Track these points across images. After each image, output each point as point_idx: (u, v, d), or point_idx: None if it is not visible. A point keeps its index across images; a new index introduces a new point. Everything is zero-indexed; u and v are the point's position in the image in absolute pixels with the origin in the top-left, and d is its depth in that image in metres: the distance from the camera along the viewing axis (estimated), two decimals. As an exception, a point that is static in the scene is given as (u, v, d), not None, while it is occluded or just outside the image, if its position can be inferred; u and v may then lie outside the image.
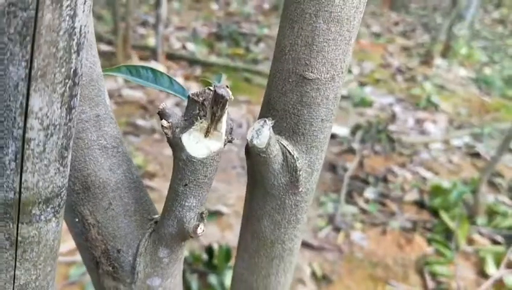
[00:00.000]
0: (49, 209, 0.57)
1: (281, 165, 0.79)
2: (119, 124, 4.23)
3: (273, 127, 0.76)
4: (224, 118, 0.66)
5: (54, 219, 0.58)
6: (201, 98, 0.62)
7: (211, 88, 0.62)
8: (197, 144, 0.66)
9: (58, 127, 0.51)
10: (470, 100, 5.58)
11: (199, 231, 0.72)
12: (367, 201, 3.56)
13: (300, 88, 0.76)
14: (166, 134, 0.65)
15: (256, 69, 5.49)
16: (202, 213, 0.73)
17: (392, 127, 4.69)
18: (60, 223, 0.61)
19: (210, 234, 3.01)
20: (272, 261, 0.91)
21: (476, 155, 4.43)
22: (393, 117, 4.98)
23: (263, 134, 0.74)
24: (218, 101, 0.62)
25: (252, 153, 0.77)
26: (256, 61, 5.85)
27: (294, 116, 0.78)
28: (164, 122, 0.65)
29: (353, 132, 4.43)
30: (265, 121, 0.74)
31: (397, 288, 2.81)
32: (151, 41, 5.70)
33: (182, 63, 5.44)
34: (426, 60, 6.53)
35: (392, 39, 7.28)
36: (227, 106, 0.64)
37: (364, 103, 5.08)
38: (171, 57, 5.45)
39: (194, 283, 2.59)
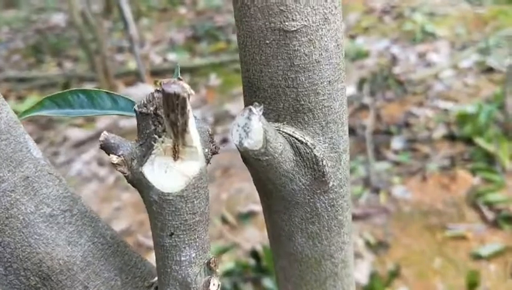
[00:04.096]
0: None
1: (294, 163, 0.58)
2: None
3: (264, 114, 0.55)
4: (192, 124, 0.46)
5: None
6: (151, 108, 0.44)
7: (159, 88, 0.44)
8: (167, 173, 0.47)
9: None
10: (465, 17, 5.36)
11: (213, 288, 0.52)
12: (396, 152, 3.37)
13: (285, 48, 0.55)
14: (122, 173, 0.47)
15: (243, 58, 5.31)
16: (209, 262, 0.53)
17: (396, 70, 4.49)
18: None
19: (250, 237, 2.87)
20: (325, 284, 0.69)
21: (489, 70, 4.22)
22: (394, 60, 4.78)
23: (253, 130, 0.52)
24: (173, 104, 0.42)
25: (248, 160, 0.57)
26: (241, 49, 5.67)
27: (290, 90, 0.57)
28: (113, 158, 0.46)
29: (359, 88, 4.24)
30: (250, 110, 0.52)
31: (456, 230, 2.64)
32: (132, 64, 5.54)
33: (168, 76, 5.27)
34: (407, -8, 6.29)
35: (366, -17, 7.04)
36: (188, 107, 0.44)
37: (361, 55, 4.88)
38: (155, 73, 5.29)
39: (250, 292, 2.45)
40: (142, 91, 4.78)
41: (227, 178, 3.37)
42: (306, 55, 0.56)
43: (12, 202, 0.53)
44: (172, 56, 5.80)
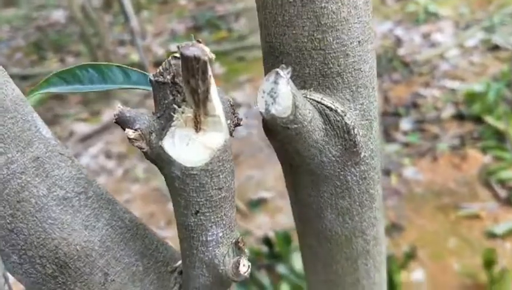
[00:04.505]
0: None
1: (324, 132, 0.53)
2: (132, 151, 4.08)
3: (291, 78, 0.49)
4: (214, 91, 0.41)
5: None
6: (168, 76, 0.40)
7: (177, 54, 0.40)
8: (189, 145, 0.43)
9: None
10: (468, -4, 5.30)
11: (243, 269, 0.47)
12: (406, 133, 3.34)
13: (311, 5, 0.50)
14: (139, 148, 0.43)
15: (245, 45, 5.27)
16: (237, 242, 0.49)
17: (401, 52, 4.45)
18: None
19: (262, 224, 2.85)
20: (357, 262, 0.64)
21: (495, 48, 4.17)
22: (398, 41, 4.73)
23: (281, 94, 0.47)
24: (193, 68, 0.38)
25: (275, 129, 0.52)
26: (243, 37, 5.62)
27: (316, 53, 0.51)
28: (129, 133, 0.42)
29: (365, 70, 4.19)
30: (276, 73, 0.47)
31: (470, 209, 2.61)
32: (135, 57, 5.51)
33: (171, 67, 5.24)
34: (409, -28, 6.22)
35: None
36: (210, 72, 0.39)
37: (365, 38, 4.83)
38: (159, 65, 5.23)
39: (265, 279, 2.43)
40: (147, 83, 4.75)
41: (236, 166, 3.32)
42: (334, 12, 0.51)
43: (23, 184, 0.50)
44: (174, 47, 5.76)
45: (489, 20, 4.56)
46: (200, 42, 0.39)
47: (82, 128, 4.24)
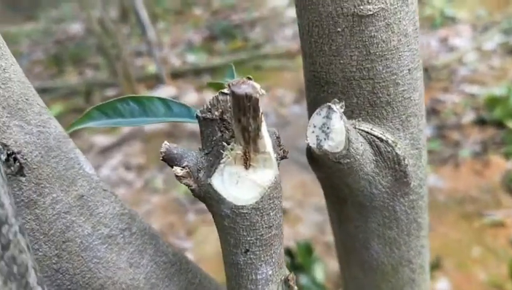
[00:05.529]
0: None
1: (374, 163, 0.51)
2: (152, 162, 4.08)
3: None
4: (264, 128, 0.40)
5: None
6: (216, 113, 0.39)
7: (225, 90, 0.39)
8: (239, 183, 0.41)
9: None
10: (485, -1, 5.26)
11: None
12: (426, 140, 3.30)
13: (360, 35, 0.48)
14: (187, 185, 0.42)
15: (262, 53, 5.27)
16: (287, 279, 0.47)
17: (418, 57, 4.41)
18: None
19: (282, 235, 2.82)
20: None
21: (515, 51, 4.14)
22: (415, 46, 4.70)
23: (335, 129, 0.45)
24: (245, 106, 0.37)
25: (324, 163, 0.50)
26: (259, 46, 5.63)
27: (365, 82, 0.50)
28: (177, 170, 0.41)
29: (383, 77, 4.16)
30: (329, 107, 0.45)
31: (494, 216, 2.57)
32: (152, 68, 5.54)
33: (188, 77, 5.26)
34: (424, -23, 6.19)
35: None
36: (261, 109, 0.39)
37: (382, 44, 4.80)
38: (176, 76, 5.27)
39: (286, 291, 2.40)
40: (165, 93, 4.77)
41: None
42: (383, 41, 0.49)
43: (68, 224, 0.48)
44: (191, 57, 5.78)
45: (507, 22, 4.51)
46: (250, 79, 0.38)
47: (101, 140, 4.25)
